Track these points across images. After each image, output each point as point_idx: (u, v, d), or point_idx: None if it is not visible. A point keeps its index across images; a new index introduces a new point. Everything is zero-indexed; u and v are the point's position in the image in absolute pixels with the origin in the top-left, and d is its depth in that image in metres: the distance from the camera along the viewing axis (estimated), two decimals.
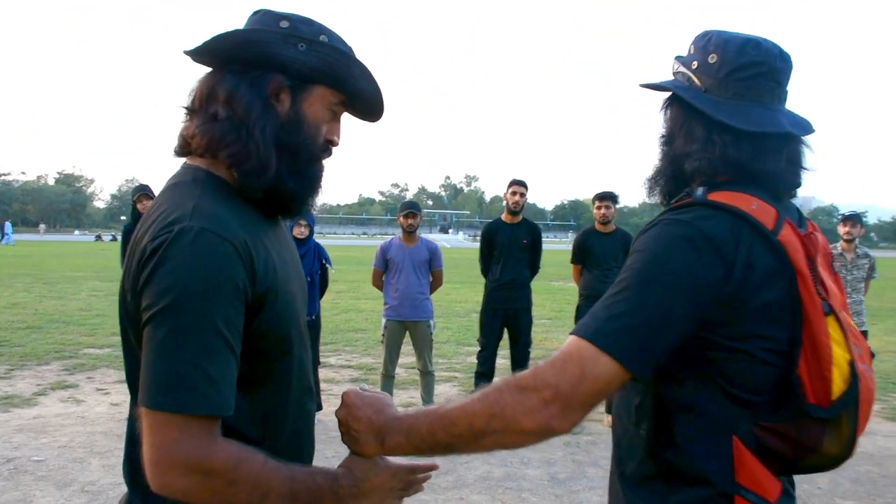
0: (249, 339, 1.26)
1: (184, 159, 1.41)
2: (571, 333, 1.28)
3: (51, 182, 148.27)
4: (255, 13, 1.38)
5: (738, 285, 1.25)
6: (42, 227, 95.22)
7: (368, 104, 1.44)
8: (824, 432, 1.25)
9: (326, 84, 1.37)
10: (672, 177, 1.48)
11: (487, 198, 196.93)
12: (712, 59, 1.39)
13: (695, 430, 1.33)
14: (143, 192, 6.36)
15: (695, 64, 1.42)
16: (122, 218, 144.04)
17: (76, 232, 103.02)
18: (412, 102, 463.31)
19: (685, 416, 1.33)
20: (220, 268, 1.19)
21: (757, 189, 1.35)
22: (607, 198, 6.50)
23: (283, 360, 1.37)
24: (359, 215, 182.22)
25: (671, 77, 1.49)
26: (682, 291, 1.25)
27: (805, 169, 1.43)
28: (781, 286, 1.26)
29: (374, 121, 1.49)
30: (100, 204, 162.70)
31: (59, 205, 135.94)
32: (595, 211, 6.59)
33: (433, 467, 1.46)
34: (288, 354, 1.38)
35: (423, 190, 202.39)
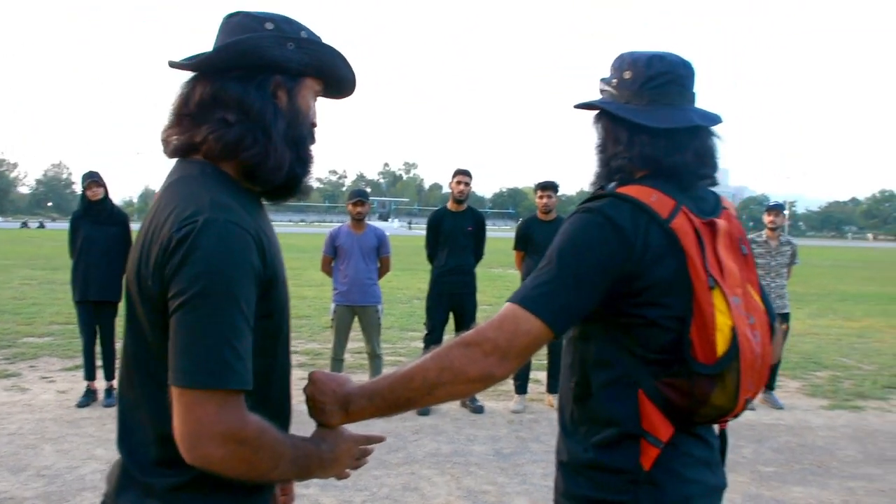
0: (256, 320, 1.35)
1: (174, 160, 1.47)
2: (507, 301, 1.56)
3: None
4: (233, 16, 1.45)
5: (636, 263, 1.53)
6: None
7: (346, 87, 1.57)
8: (713, 387, 1.51)
9: (315, 76, 1.48)
10: (608, 178, 1.74)
11: (427, 185, 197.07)
12: (627, 75, 1.68)
13: (606, 382, 1.62)
14: (92, 178, 6.33)
15: (614, 82, 1.70)
16: (49, 204, 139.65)
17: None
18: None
19: (599, 371, 1.63)
20: (242, 255, 1.29)
21: (666, 182, 1.62)
22: (549, 187, 6.76)
23: (276, 338, 1.47)
24: (296, 202, 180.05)
25: (599, 96, 1.77)
26: (591, 264, 1.53)
27: (714, 159, 1.70)
28: (673, 264, 1.53)
29: (343, 98, 1.61)
30: (24, 190, 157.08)
31: None
32: (537, 200, 6.85)
33: (381, 439, 1.64)
34: (280, 332, 1.49)
35: (361, 177, 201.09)
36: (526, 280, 1.58)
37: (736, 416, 1.60)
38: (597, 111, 1.76)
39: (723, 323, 1.50)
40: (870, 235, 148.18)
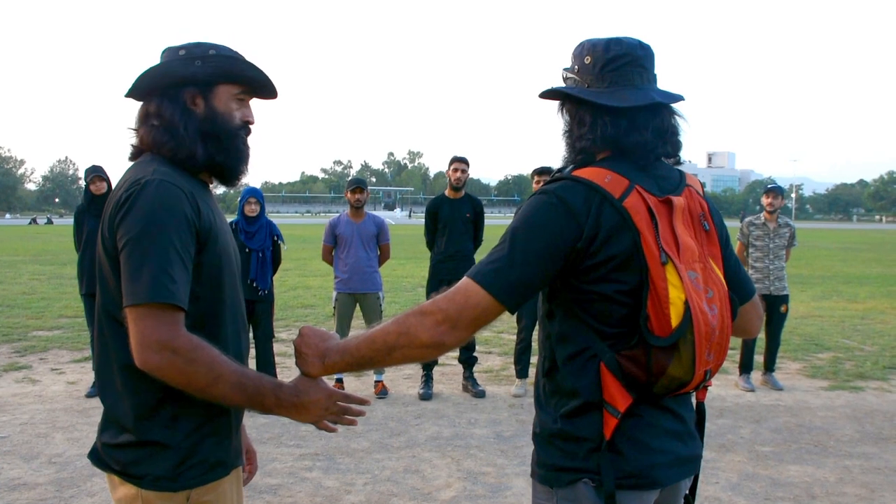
0: (198, 268, 1.67)
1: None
2: (464, 275, 1.66)
3: None
4: (164, 51, 1.83)
5: (588, 241, 1.60)
6: None
7: (261, 86, 1.87)
8: (669, 359, 1.58)
9: (224, 82, 1.81)
10: (574, 161, 1.80)
11: (431, 174, 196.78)
12: (587, 60, 1.75)
13: (569, 356, 1.70)
14: (96, 173, 6.43)
15: (576, 68, 1.77)
16: (56, 200, 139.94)
17: (7, 216, 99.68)
18: (355, 79, 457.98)
19: (562, 345, 1.72)
20: (174, 204, 1.62)
21: (622, 163, 1.69)
22: (545, 172, 6.79)
23: (219, 287, 1.76)
24: (302, 193, 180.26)
25: (562, 84, 1.83)
26: (541, 242, 1.62)
27: (676, 137, 1.77)
28: (626, 241, 1.60)
29: (274, 97, 1.94)
30: (31, 186, 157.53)
31: None
32: (534, 185, 6.90)
33: (364, 401, 1.81)
34: (221, 286, 1.76)
35: (366, 166, 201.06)
36: (484, 256, 1.68)
37: (696, 387, 1.67)
38: (561, 99, 1.83)
39: (675, 297, 1.56)
40: (881, 218, 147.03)
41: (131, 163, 1.82)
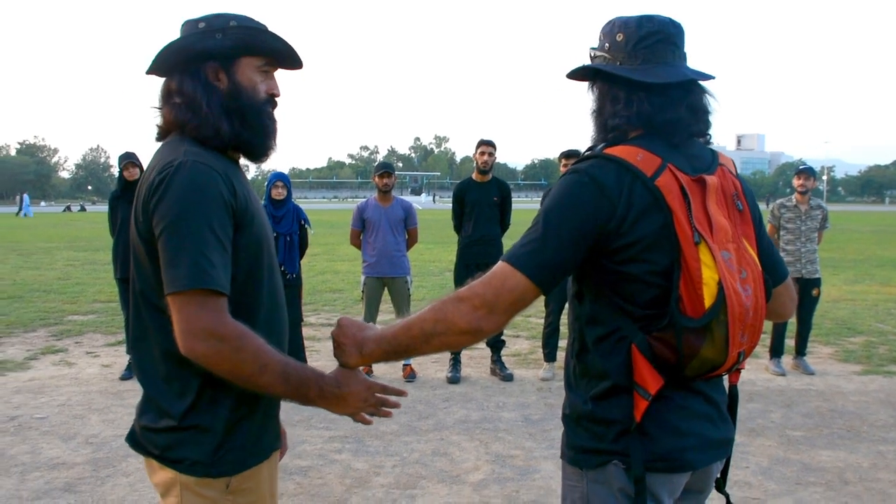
0: (236, 251, 1.63)
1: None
2: (500, 259, 1.65)
3: (12, 153, 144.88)
4: (182, 24, 1.77)
5: (620, 220, 1.58)
6: (18, 198, 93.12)
7: (286, 57, 1.81)
8: (702, 340, 1.56)
9: (247, 54, 1.74)
10: (604, 139, 1.77)
11: (458, 158, 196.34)
12: (619, 37, 1.71)
13: (599, 337, 1.69)
14: (129, 159, 6.51)
15: (607, 46, 1.74)
16: (89, 188, 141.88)
17: (42, 203, 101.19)
18: (381, 64, 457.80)
19: (592, 327, 1.71)
20: (209, 186, 1.59)
21: (654, 141, 1.66)
22: (573, 155, 6.75)
23: (257, 271, 1.73)
24: (329, 179, 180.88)
25: (589, 63, 1.80)
26: (575, 222, 1.60)
27: (709, 114, 1.75)
28: (658, 221, 1.58)
29: (299, 68, 1.87)
30: (65, 174, 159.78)
31: (23, 176, 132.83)
32: (562, 169, 6.85)
33: (402, 392, 1.81)
34: (260, 266, 1.74)
35: (392, 152, 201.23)
36: (518, 239, 1.66)
37: (730, 369, 1.65)
38: (589, 78, 1.81)
39: (709, 277, 1.54)
40: None
41: (159, 143, 1.79)
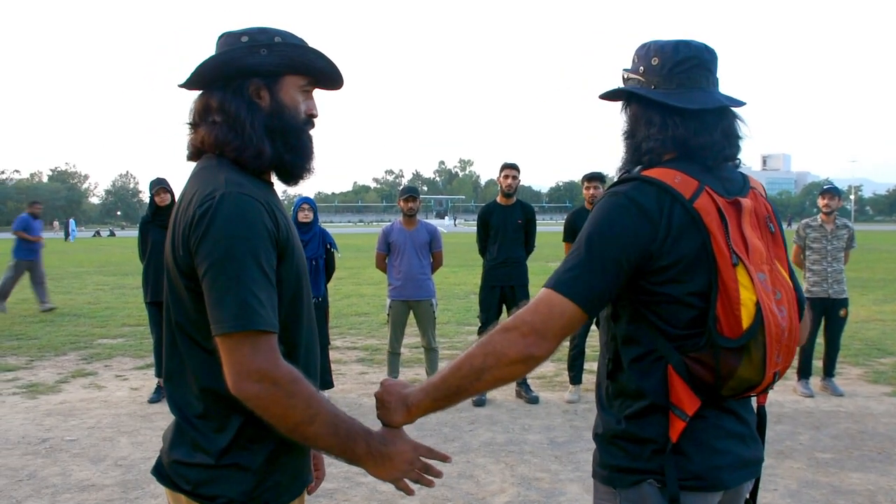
0: (277, 283, 1.57)
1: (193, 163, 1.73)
2: (543, 286, 1.66)
3: (45, 179, 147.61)
4: (221, 36, 1.70)
5: (661, 241, 1.60)
6: (56, 224, 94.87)
7: (329, 77, 1.76)
8: (739, 360, 1.57)
9: (292, 73, 1.68)
10: (637, 162, 1.80)
11: (483, 182, 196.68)
12: (655, 61, 1.74)
13: (635, 357, 1.70)
14: (161, 185, 6.63)
15: (641, 69, 1.77)
16: (118, 213, 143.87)
17: (56, 228, 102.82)
18: (406, 88, 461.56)
19: (629, 348, 1.72)
20: (255, 219, 1.51)
21: (690, 164, 1.70)
22: (595, 178, 6.79)
23: (297, 302, 1.67)
24: (354, 203, 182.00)
25: (622, 86, 1.83)
26: (618, 246, 1.61)
27: (740, 138, 1.77)
28: (696, 242, 1.60)
29: (338, 88, 1.81)
30: (95, 200, 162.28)
31: (55, 202, 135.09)
32: (584, 192, 6.89)
33: (446, 458, 1.72)
34: (301, 297, 1.69)
35: (417, 175, 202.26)
36: (559, 265, 1.68)
37: (764, 389, 1.67)
38: (623, 100, 1.84)
39: (747, 298, 1.56)
40: None
41: (191, 164, 1.71)
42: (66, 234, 50.50)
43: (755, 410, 1.83)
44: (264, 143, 1.64)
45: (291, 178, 1.74)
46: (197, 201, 1.53)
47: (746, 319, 1.56)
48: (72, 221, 53.24)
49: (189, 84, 1.68)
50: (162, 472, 1.65)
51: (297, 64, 1.68)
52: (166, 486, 1.64)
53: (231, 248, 1.47)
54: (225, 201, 1.50)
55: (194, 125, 1.69)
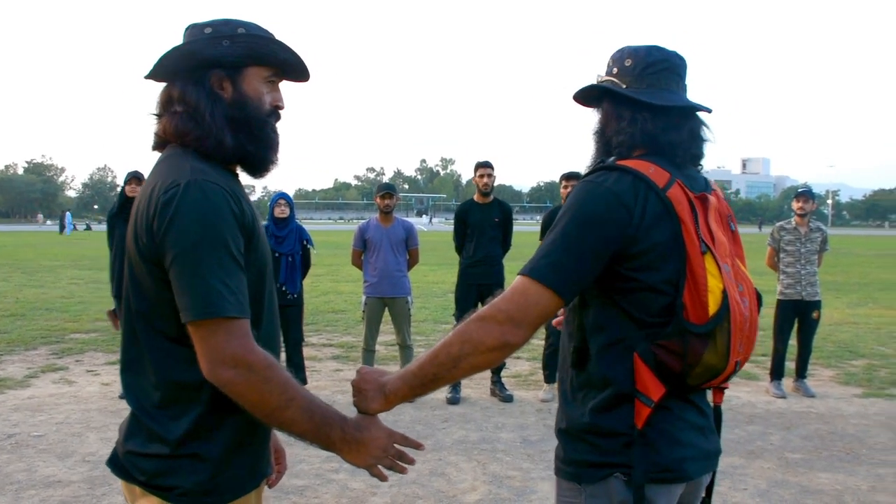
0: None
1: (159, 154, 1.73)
2: (518, 273, 1.66)
3: (20, 172, 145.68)
4: (187, 28, 1.70)
5: (636, 228, 1.63)
6: (40, 217, 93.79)
7: (295, 69, 1.75)
8: (706, 346, 1.61)
9: (255, 64, 1.68)
10: (607, 156, 1.84)
11: (464, 180, 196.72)
12: (628, 62, 1.80)
13: (604, 345, 1.72)
14: (134, 176, 6.54)
15: (615, 70, 1.82)
16: (95, 207, 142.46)
17: (48, 222, 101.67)
18: (388, 85, 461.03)
19: (597, 335, 1.73)
20: (221, 206, 1.51)
21: (660, 159, 1.73)
22: (573, 177, 6.78)
23: (260, 291, 1.67)
24: (335, 200, 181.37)
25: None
26: (594, 232, 1.63)
27: (705, 141, 1.83)
28: (668, 230, 1.64)
29: (305, 80, 1.81)
30: (71, 193, 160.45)
31: (30, 195, 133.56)
32: (562, 190, 6.90)
33: (419, 445, 1.72)
34: (263, 286, 1.68)
35: (398, 173, 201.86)
36: (535, 252, 1.69)
37: (727, 377, 1.70)
38: (595, 102, 1.89)
39: (714, 285, 1.61)
40: None
41: (156, 153, 1.71)
42: (62, 228, 50.32)
43: (711, 405, 1.86)
44: (225, 133, 1.63)
45: (255, 169, 1.73)
46: (161, 189, 1.52)
47: (713, 306, 1.60)
48: (68, 214, 53.16)
49: (153, 75, 1.68)
50: (117, 462, 1.63)
51: (259, 55, 1.67)
52: (121, 477, 1.63)
53: (198, 234, 1.47)
54: (190, 188, 1.50)
55: (159, 115, 1.70)
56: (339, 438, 1.58)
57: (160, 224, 1.49)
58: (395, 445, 1.67)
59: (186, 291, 1.47)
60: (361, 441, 1.61)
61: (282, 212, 6.46)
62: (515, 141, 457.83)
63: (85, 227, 65.48)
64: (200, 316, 1.45)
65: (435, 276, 17.81)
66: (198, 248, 1.47)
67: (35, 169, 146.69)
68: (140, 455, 1.58)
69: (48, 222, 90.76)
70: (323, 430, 1.56)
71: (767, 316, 7.71)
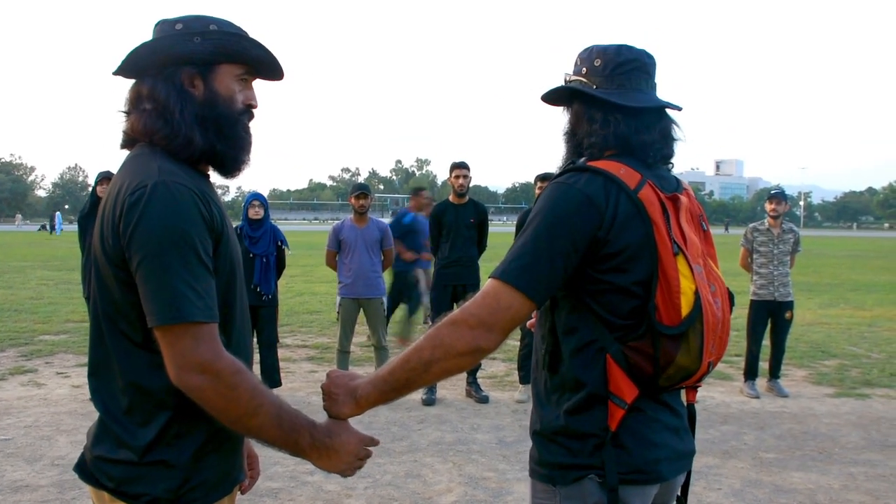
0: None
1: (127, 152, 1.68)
2: (489, 276, 1.65)
3: None
4: (157, 24, 1.65)
5: (607, 229, 1.62)
6: (19, 217, 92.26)
7: (268, 67, 1.71)
8: (678, 348, 1.60)
9: (226, 61, 1.63)
10: (578, 157, 1.82)
11: (439, 181, 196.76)
12: (597, 62, 1.78)
13: (576, 347, 1.70)
14: (105, 177, 6.45)
15: (584, 70, 1.80)
16: (66, 207, 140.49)
17: (27, 222, 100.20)
18: (363, 86, 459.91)
19: (569, 337, 1.72)
20: (189, 208, 1.47)
21: (631, 159, 1.72)
22: (547, 178, 6.78)
23: (230, 294, 1.63)
24: (310, 200, 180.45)
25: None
26: (565, 234, 1.62)
27: (676, 140, 1.82)
28: (641, 231, 1.62)
29: (279, 79, 1.76)
30: (41, 193, 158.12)
31: None
32: (536, 191, 6.89)
33: (376, 441, 1.70)
34: (234, 289, 1.64)
35: (374, 174, 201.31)
36: (506, 254, 1.67)
37: (699, 379, 1.69)
38: (565, 101, 1.86)
39: (686, 286, 1.60)
40: (889, 225, 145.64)
41: (125, 152, 1.66)
42: (52, 228, 50.12)
43: (684, 405, 1.86)
44: (194, 131, 1.59)
45: (226, 169, 1.69)
46: (128, 189, 1.48)
47: (686, 307, 1.59)
48: (58, 215, 52.72)
49: (122, 71, 1.63)
50: (84, 468, 1.59)
51: (231, 52, 1.63)
52: (89, 483, 1.59)
53: (166, 237, 1.43)
54: (158, 190, 1.46)
55: (127, 113, 1.65)
56: (308, 445, 1.56)
57: (126, 226, 1.45)
58: (367, 448, 1.66)
59: (153, 295, 1.43)
60: (331, 447, 1.60)
61: (256, 213, 6.40)
62: (491, 142, 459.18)
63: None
64: (167, 321, 1.42)
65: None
66: (164, 251, 1.43)
67: (3, 168, 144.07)
68: (108, 461, 1.54)
69: (27, 222, 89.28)
70: (292, 436, 1.54)
71: (741, 316, 7.81)
